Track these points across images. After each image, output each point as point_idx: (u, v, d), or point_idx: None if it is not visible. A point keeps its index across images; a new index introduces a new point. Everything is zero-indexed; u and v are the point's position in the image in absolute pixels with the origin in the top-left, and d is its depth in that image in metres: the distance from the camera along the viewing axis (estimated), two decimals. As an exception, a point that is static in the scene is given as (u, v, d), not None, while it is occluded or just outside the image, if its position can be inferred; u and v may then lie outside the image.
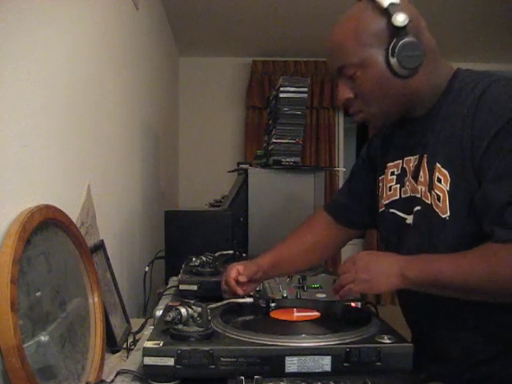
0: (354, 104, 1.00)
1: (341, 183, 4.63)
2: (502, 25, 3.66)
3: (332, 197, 1.36)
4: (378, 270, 0.92)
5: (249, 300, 1.05)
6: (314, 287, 1.39)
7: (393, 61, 0.91)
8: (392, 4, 0.90)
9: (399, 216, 1.04)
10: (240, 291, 1.12)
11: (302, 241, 1.24)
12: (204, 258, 1.43)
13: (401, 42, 0.90)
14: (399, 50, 0.90)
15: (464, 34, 3.90)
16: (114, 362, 1.12)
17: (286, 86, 2.18)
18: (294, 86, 2.18)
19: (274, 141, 2.22)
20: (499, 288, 0.82)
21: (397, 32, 0.90)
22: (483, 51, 4.30)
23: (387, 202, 1.07)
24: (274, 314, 1.01)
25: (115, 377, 0.90)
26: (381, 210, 1.10)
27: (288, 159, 2.21)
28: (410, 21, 0.90)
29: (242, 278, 1.13)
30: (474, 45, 4.15)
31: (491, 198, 0.83)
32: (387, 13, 0.90)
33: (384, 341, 0.83)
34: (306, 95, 2.20)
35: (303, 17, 3.47)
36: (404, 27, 0.90)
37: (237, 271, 1.14)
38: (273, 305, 1.07)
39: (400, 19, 0.89)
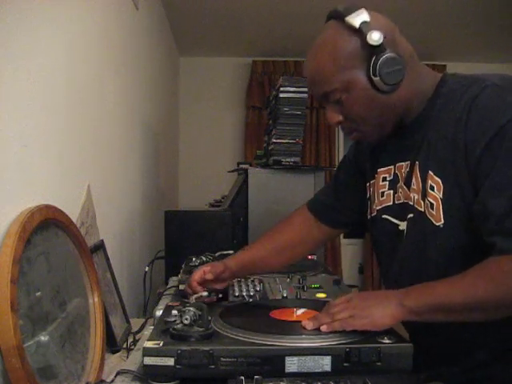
0: (346, 126, 0.99)
1: (341, 183, 4.63)
2: (503, 25, 3.66)
3: (315, 195, 1.32)
4: (376, 305, 0.87)
5: (205, 294, 1.08)
6: (314, 287, 1.39)
7: (375, 79, 0.89)
8: (363, 22, 0.88)
9: (392, 222, 1.03)
10: (200, 290, 1.13)
11: (277, 240, 1.24)
12: (204, 258, 1.43)
13: (380, 60, 0.88)
14: (380, 68, 0.88)
15: (467, 32, 3.90)
16: (114, 362, 1.12)
17: (286, 86, 2.18)
18: (294, 86, 2.19)
19: (274, 141, 2.22)
20: (508, 301, 0.79)
21: (374, 50, 0.89)
22: (485, 51, 4.30)
23: (380, 207, 1.06)
24: (274, 314, 1.01)
25: (115, 377, 0.90)
26: (372, 215, 1.09)
27: (288, 159, 2.21)
28: (384, 37, 0.88)
29: (209, 276, 1.15)
30: (477, 45, 4.16)
31: (490, 207, 0.82)
32: (360, 32, 0.89)
33: (384, 341, 0.83)
34: (306, 95, 2.20)
35: (303, 17, 3.47)
36: (380, 45, 0.88)
37: (202, 273, 1.16)
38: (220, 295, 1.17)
39: (375, 38, 0.87)
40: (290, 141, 2.22)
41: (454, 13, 3.44)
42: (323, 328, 0.87)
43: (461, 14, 3.47)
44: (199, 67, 4.56)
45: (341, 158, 4.66)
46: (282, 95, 2.18)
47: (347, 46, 0.91)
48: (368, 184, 1.12)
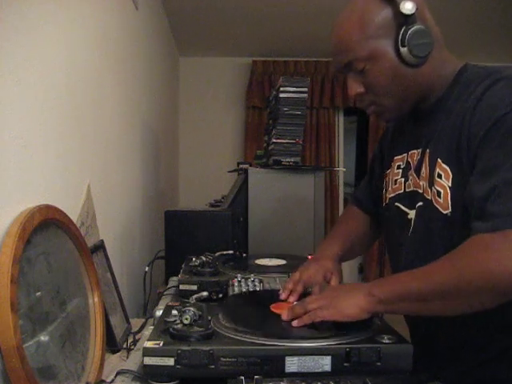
0: (365, 98, 0.98)
1: (341, 183, 4.64)
2: (502, 24, 3.66)
3: (358, 187, 1.32)
4: (344, 295, 0.88)
5: (205, 293, 1.03)
6: (314, 287, 1.39)
7: (403, 50, 0.89)
8: None
9: (403, 211, 1.02)
10: (284, 296, 1.07)
11: (352, 232, 1.24)
12: (204, 258, 1.42)
13: (411, 30, 0.88)
14: (409, 39, 0.88)
15: (465, 31, 3.90)
16: (113, 361, 1.12)
17: (286, 86, 2.18)
18: (293, 86, 2.19)
19: (274, 141, 2.22)
20: (464, 283, 0.77)
21: (405, 20, 0.88)
22: (483, 50, 4.30)
23: (392, 195, 1.06)
24: (275, 308, 1.01)
25: (115, 377, 0.90)
26: (385, 203, 1.09)
27: (288, 159, 2.21)
28: (417, 8, 0.88)
29: (295, 294, 1.06)
30: (473, 44, 4.16)
31: (473, 193, 0.82)
32: (393, 1, 0.89)
33: (384, 341, 0.83)
34: (306, 95, 2.20)
35: (303, 16, 3.47)
36: (412, 15, 0.88)
37: (299, 278, 1.09)
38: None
39: (408, 7, 0.88)
40: (290, 141, 2.22)
41: (452, 12, 3.44)
42: (294, 323, 0.89)
43: (458, 14, 3.48)
44: (199, 67, 4.56)
45: (341, 158, 4.66)
46: (281, 95, 2.18)
47: (378, 14, 0.91)
48: (385, 173, 1.12)
